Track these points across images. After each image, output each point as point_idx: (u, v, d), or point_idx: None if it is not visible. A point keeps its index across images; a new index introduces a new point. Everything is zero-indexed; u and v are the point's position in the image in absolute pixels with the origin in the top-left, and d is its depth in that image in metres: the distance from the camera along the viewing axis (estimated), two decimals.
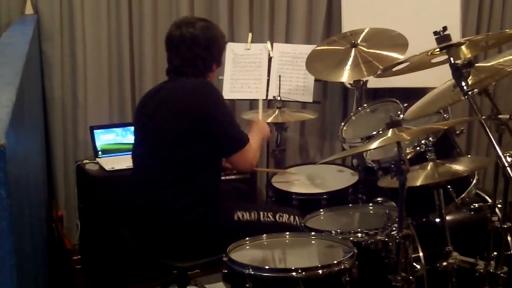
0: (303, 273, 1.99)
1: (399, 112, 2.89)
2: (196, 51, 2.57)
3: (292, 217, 2.64)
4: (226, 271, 2.15)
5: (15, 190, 1.10)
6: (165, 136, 2.50)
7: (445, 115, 2.80)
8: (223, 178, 2.72)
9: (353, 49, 3.21)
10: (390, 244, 2.24)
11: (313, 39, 4.07)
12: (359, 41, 3.20)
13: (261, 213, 2.61)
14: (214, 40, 2.63)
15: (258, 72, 3.59)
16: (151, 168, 2.55)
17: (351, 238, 2.33)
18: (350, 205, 2.89)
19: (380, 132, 2.77)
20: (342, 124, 3.24)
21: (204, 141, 2.46)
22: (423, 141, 2.54)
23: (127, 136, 3.47)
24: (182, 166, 2.49)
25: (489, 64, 2.36)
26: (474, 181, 2.67)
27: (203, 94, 2.50)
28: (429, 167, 2.42)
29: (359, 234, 2.37)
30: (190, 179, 2.48)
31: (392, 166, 2.07)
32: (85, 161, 3.40)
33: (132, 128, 3.40)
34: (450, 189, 2.56)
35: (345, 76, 3.20)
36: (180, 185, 2.47)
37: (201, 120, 2.45)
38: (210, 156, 2.52)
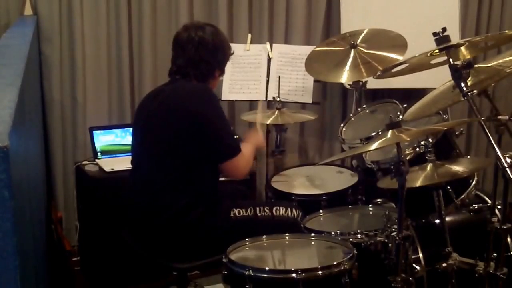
0: (303, 274, 2.00)
1: (398, 113, 2.90)
2: (202, 53, 2.58)
3: (289, 210, 2.65)
4: (226, 272, 2.15)
5: (17, 191, 1.10)
6: (163, 137, 2.51)
7: (444, 116, 2.80)
8: (222, 179, 2.71)
9: (352, 50, 3.21)
10: (390, 245, 2.24)
11: (312, 40, 4.07)
12: (358, 42, 3.21)
13: (258, 208, 2.61)
14: (221, 46, 2.65)
15: (258, 73, 3.59)
16: (149, 169, 2.55)
17: (350, 239, 2.34)
18: (350, 206, 2.88)
19: (380, 133, 2.77)
20: (342, 125, 3.24)
21: (199, 144, 2.46)
22: (422, 142, 2.55)
23: (126, 137, 3.47)
24: (180, 168, 2.49)
25: (488, 65, 2.37)
26: (474, 182, 2.68)
27: (200, 98, 2.51)
28: (428, 168, 2.43)
29: (359, 235, 2.38)
30: (188, 181, 2.49)
31: (392, 167, 2.07)
32: (84, 162, 3.39)
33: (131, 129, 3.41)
34: (450, 190, 2.57)
35: (345, 77, 3.20)
36: (179, 186, 2.48)
37: (197, 123, 2.45)
38: (206, 158, 2.51)
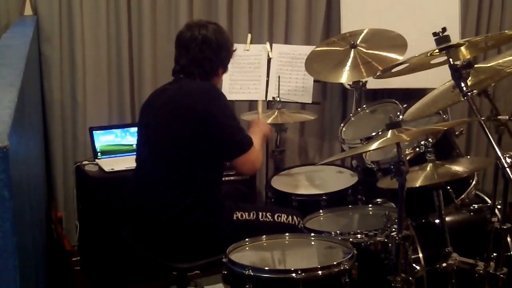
0: (303, 274, 2.00)
1: (398, 113, 2.90)
2: (206, 52, 2.58)
3: (290, 217, 2.64)
4: (225, 272, 2.15)
5: (17, 191, 1.10)
6: (168, 136, 2.50)
7: (444, 116, 2.80)
8: (224, 179, 2.71)
9: (352, 50, 3.20)
10: (390, 245, 2.24)
11: (312, 40, 4.07)
12: (358, 42, 3.20)
13: (260, 213, 2.61)
14: (224, 44, 2.65)
15: (257, 73, 3.59)
16: (153, 168, 2.55)
17: (350, 239, 2.34)
18: (350, 206, 2.88)
19: (380, 133, 2.77)
20: (342, 125, 3.24)
21: (207, 143, 2.46)
22: (422, 142, 2.55)
23: (126, 137, 3.47)
24: (184, 167, 2.48)
25: (488, 65, 2.36)
26: (474, 182, 2.68)
27: (208, 96, 2.51)
28: (428, 168, 2.43)
29: (359, 235, 2.38)
30: (191, 180, 2.48)
31: (392, 167, 2.07)
32: (84, 162, 3.40)
33: (132, 129, 3.42)
34: (450, 190, 2.57)
35: (345, 77, 3.20)
36: (182, 186, 2.47)
37: (205, 122, 2.45)
38: (212, 158, 2.51)
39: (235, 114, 2.67)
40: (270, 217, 2.62)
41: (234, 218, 2.57)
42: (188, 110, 2.48)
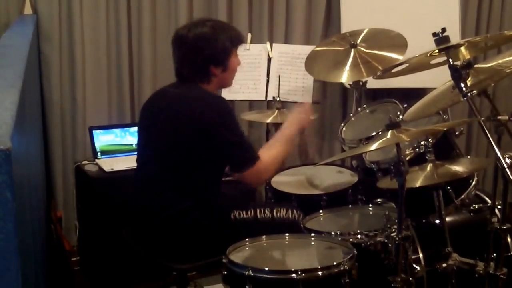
0: (303, 274, 2.00)
1: (398, 113, 2.90)
2: (185, 52, 2.53)
3: (290, 211, 2.62)
4: (225, 272, 2.15)
5: (18, 192, 1.10)
6: (168, 141, 2.47)
7: (444, 116, 2.80)
8: (223, 179, 2.71)
9: (352, 49, 3.20)
10: (390, 245, 2.24)
11: (312, 39, 4.07)
12: (358, 42, 3.20)
13: (258, 210, 2.58)
14: (205, 40, 2.50)
15: (257, 73, 3.59)
16: (153, 169, 2.54)
17: (350, 240, 2.34)
18: (350, 206, 2.88)
19: (380, 133, 2.77)
20: (342, 125, 3.24)
21: (207, 153, 2.43)
22: (422, 142, 2.55)
23: (126, 137, 3.47)
24: (183, 170, 2.47)
25: (488, 65, 2.36)
26: (474, 182, 2.68)
27: (213, 108, 2.43)
28: (428, 168, 2.43)
29: (359, 236, 2.38)
30: (190, 182, 2.47)
31: (392, 167, 2.07)
32: (84, 162, 3.39)
33: (131, 129, 3.42)
34: (450, 190, 2.57)
35: (345, 77, 3.20)
36: (181, 188, 2.46)
37: (207, 134, 2.40)
38: (212, 162, 2.50)
39: (240, 129, 2.51)
40: (268, 214, 2.58)
41: (232, 217, 2.55)
42: (191, 119, 2.42)
